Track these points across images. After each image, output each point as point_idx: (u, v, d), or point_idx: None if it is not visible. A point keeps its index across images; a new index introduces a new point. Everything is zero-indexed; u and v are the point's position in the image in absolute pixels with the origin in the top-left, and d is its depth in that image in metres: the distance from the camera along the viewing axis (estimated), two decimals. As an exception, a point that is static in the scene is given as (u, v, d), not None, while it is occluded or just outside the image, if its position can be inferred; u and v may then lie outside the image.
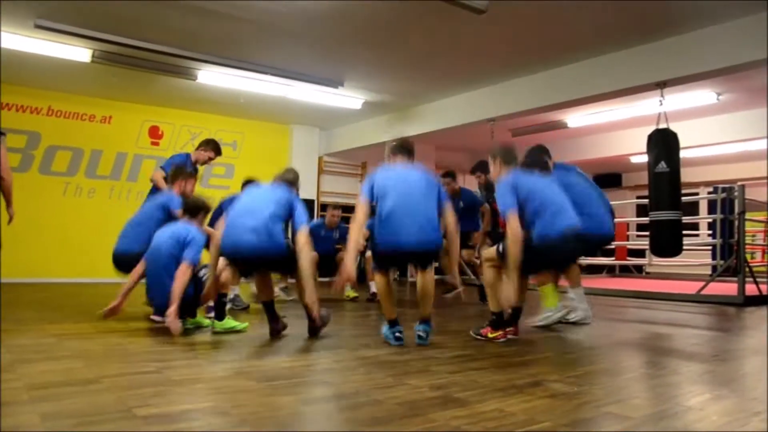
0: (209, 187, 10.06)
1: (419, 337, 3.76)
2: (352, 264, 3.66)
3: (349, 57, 7.13)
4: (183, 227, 4.31)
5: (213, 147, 6.10)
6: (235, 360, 3.18)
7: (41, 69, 7.68)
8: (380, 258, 3.88)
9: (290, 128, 10.95)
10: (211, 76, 7.72)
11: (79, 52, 6.86)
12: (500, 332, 3.98)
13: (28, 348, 3.38)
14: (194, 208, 4.50)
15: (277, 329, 4.01)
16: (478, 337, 4.02)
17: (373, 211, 3.81)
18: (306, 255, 3.86)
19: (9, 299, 6.29)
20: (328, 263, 6.84)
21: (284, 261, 3.89)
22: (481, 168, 6.75)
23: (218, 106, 9.58)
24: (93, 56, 6.92)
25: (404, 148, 4.08)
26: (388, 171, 3.96)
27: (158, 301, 4.24)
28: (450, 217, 3.93)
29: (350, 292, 7.12)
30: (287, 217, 4.00)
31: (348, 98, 8.77)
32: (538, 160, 4.95)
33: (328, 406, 2.38)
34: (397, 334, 3.73)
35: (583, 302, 4.94)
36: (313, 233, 7.15)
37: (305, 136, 11.07)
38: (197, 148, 6.08)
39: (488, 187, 6.74)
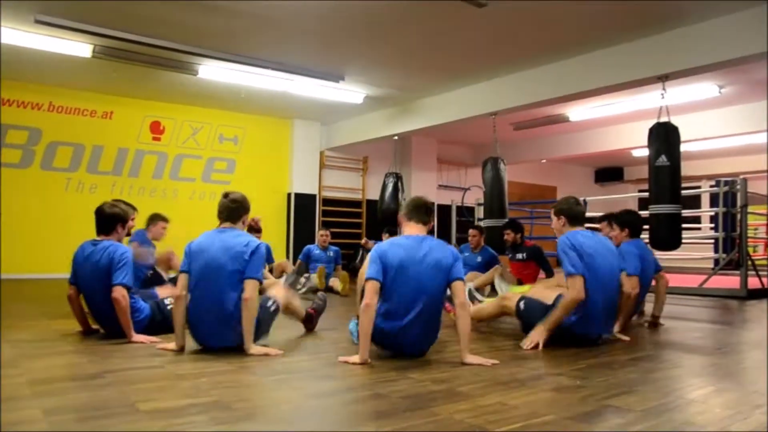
0: (211, 183, 10.09)
1: None
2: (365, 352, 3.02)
3: (349, 51, 7.11)
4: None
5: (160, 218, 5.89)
6: (238, 355, 3.18)
7: (42, 65, 7.67)
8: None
9: (291, 123, 10.94)
10: (212, 71, 7.71)
11: (80, 48, 6.85)
12: None
13: (32, 343, 3.39)
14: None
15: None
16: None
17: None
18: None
19: (11, 295, 6.31)
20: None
21: None
22: (511, 227, 6.83)
23: (219, 101, 9.57)
24: (94, 51, 6.91)
25: (419, 209, 3.37)
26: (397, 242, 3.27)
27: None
28: (461, 296, 3.15)
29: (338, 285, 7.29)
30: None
31: (349, 92, 8.75)
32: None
33: (331, 400, 2.39)
34: None
35: None
36: (309, 254, 7.73)
37: (306, 131, 11.06)
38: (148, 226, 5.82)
39: (514, 247, 6.77)
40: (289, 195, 10.85)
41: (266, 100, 9.39)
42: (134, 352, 3.24)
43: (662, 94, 6.46)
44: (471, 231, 7.24)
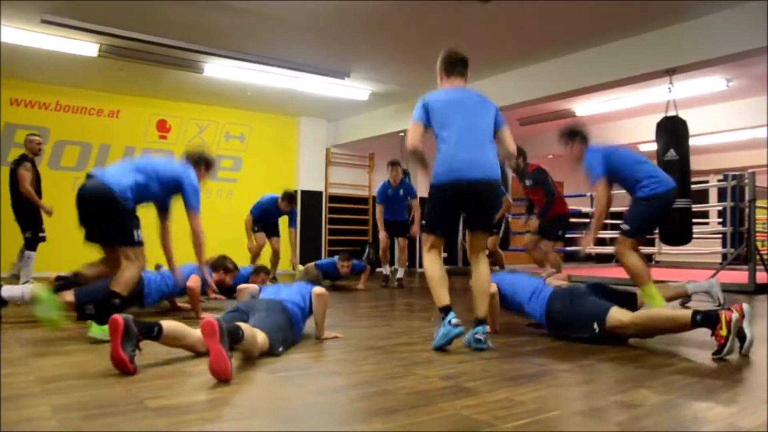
0: (218, 180, 10.10)
1: (477, 341, 3.28)
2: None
3: (355, 47, 7.10)
4: None
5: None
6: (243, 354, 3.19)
7: (49, 64, 7.70)
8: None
9: (297, 120, 10.94)
10: (217, 69, 7.72)
11: (86, 47, 6.87)
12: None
13: (40, 342, 3.41)
14: None
15: None
16: None
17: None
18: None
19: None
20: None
21: None
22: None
23: (225, 99, 9.58)
24: (100, 51, 6.93)
25: (456, 63, 3.69)
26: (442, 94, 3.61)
27: None
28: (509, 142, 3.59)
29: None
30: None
31: (355, 89, 8.75)
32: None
33: (337, 396, 2.39)
34: (453, 320, 3.24)
35: None
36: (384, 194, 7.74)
37: (312, 128, 11.07)
38: None
39: (520, 174, 6.73)
40: (295, 192, 10.83)
41: (272, 98, 9.40)
42: (142, 348, 3.25)
43: (669, 88, 6.42)
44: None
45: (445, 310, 3.29)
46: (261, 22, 6.20)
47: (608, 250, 10.53)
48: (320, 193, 11.09)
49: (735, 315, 3.05)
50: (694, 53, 6.01)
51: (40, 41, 6.66)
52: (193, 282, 4.37)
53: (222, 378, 2.49)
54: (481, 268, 3.45)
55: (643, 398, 2.31)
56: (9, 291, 4.27)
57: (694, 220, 6.73)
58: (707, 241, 10.70)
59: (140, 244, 3.65)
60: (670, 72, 6.29)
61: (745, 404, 2.27)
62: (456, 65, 3.65)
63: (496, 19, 6.03)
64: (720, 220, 10.61)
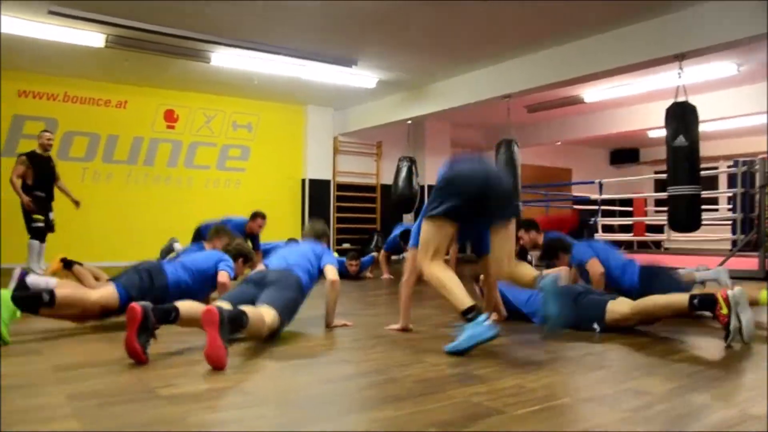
0: (226, 170, 10.13)
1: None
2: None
3: (362, 35, 7.07)
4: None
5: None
6: (253, 341, 3.21)
7: (56, 55, 7.71)
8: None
9: (305, 109, 10.93)
10: (224, 59, 7.71)
11: (93, 38, 6.87)
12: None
13: (53, 331, 3.44)
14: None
15: None
16: None
17: None
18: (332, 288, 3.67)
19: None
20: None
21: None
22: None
23: (233, 89, 9.57)
24: (107, 41, 6.93)
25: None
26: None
27: None
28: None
29: None
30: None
31: (362, 77, 8.72)
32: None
33: (347, 384, 2.40)
34: (485, 322, 2.81)
35: None
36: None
37: (320, 117, 11.05)
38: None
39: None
40: (303, 181, 10.86)
41: (279, 87, 9.39)
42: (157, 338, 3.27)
43: (679, 74, 6.36)
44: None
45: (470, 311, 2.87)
46: (267, 10, 6.18)
47: (617, 237, 10.51)
48: (328, 181, 11.10)
49: (732, 291, 3.02)
50: (704, 38, 5.94)
51: (48, 32, 6.67)
52: (224, 278, 4.24)
53: (216, 366, 2.52)
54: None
55: (652, 386, 2.32)
56: (34, 280, 4.30)
57: (704, 207, 6.69)
58: (717, 227, 10.63)
59: None
60: (680, 57, 6.22)
61: (757, 391, 2.27)
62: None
63: (504, 5, 5.99)
64: (730, 206, 10.54)
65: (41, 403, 2.03)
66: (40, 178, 6.80)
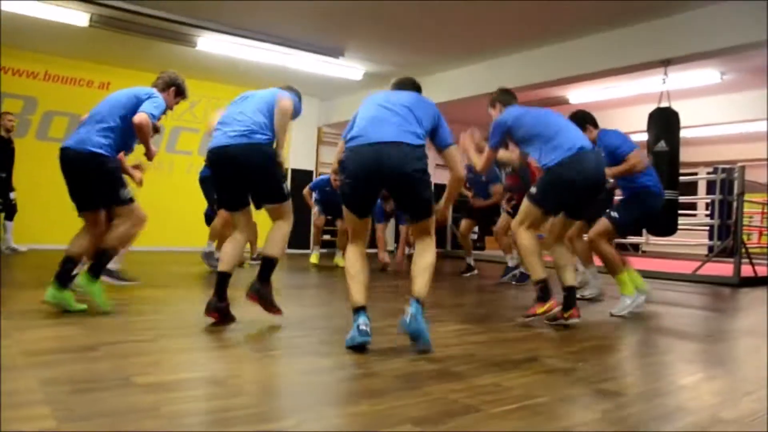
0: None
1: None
2: None
3: (350, 26, 7.04)
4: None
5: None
6: (232, 330, 3.19)
7: (39, 33, 7.56)
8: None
9: (290, 98, 10.84)
10: (210, 44, 7.62)
11: (77, 16, 6.75)
12: (551, 302, 3.59)
13: (27, 314, 3.39)
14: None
15: (218, 308, 3.26)
16: (528, 318, 3.67)
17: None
18: None
19: (9, 264, 6.31)
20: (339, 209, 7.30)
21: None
22: None
23: (217, 74, 9.47)
24: (91, 20, 6.81)
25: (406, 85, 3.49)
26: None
27: None
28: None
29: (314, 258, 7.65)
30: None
31: (348, 68, 8.68)
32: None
33: (325, 377, 2.39)
34: (362, 327, 2.78)
35: (596, 278, 5.07)
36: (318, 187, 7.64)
37: (304, 107, 10.82)
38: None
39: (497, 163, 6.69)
40: (285, 170, 10.78)
41: (264, 75, 9.29)
42: (127, 325, 3.24)
43: (664, 79, 6.42)
44: None
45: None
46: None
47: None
48: (311, 172, 11.04)
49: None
50: (691, 45, 6.01)
51: (32, 9, 6.54)
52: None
53: None
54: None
55: (627, 387, 2.34)
56: None
57: (682, 212, 6.77)
58: (694, 232, 10.78)
59: (131, 201, 3.61)
60: (666, 63, 6.28)
61: (728, 395, 2.30)
62: (405, 86, 3.49)
63: (492, 3, 5.99)
64: (708, 212, 10.68)
65: (14, 388, 1.99)
66: (8, 160, 6.78)
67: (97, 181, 3.54)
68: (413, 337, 2.77)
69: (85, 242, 3.67)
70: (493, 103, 4.15)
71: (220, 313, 3.24)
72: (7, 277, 5.25)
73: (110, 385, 2.08)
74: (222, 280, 3.27)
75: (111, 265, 4.33)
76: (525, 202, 3.71)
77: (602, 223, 4.37)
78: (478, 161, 4.01)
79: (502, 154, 4.25)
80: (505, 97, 4.12)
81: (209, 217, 6.73)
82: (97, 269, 3.51)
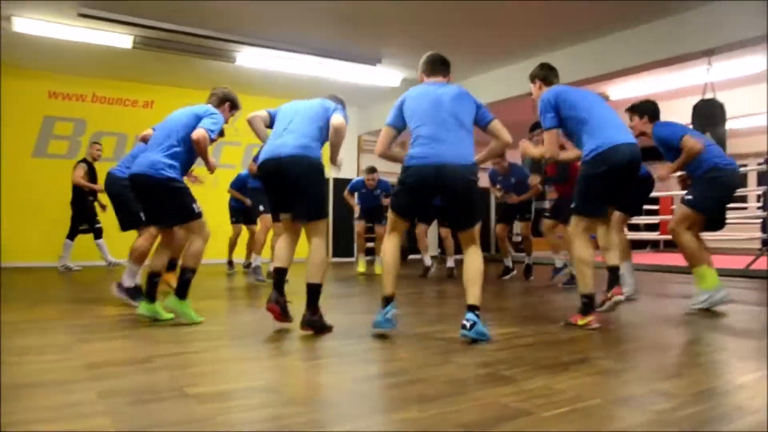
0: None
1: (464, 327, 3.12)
2: None
3: (386, 33, 7.08)
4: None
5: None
6: (281, 339, 3.24)
7: (85, 57, 7.85)
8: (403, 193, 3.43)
9: (328, 108, 10.93)
10: (249, 58, 7.77)
11: (121, 39, 6.98)
12: (591, 318, 3.56)
13: (86, 328, 3.51)
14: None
15: (278, 301, 3.44)
16: (569, 325, 3.63)
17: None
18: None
19: (65, 281, 6.53)
20: (376, 213, 7.60)
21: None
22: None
23: (257, 88, 9.64)
24: (134, 42, 7.03)
25: (436, 62, 3.75)
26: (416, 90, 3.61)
27: None
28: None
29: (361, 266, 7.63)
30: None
31: (386, 75, 8.72)
32: None
33: (374, 384, 2.41)
34: (389, 316, 3.27)
35: (631, 277, 4.96)
36: (356, 189, 7.74)
37: (343, 116, 11.03)
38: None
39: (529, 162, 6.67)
40: (328, 180, 10.87)
41: (303, 86, 9.42)
42: (182, 336, 3.32)
43: (707, 69, 6.27)
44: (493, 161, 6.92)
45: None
46: (292, 9, 6.23)
47: (643, 236, 10.37)
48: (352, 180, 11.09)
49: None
50: (734, 33, 5.85)
51: (77, 34, 6.79)
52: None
53: None
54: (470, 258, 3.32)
55: (683, 387, 2.29)
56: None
57: (732, 206, 6.58)
58: (746, 226, 10.44)
59: (200, 215, 3.79)
60: (709, 53, 6.13)
61: (789, 394, 2.23)
62: (437, 64, 3.74)
63: (529, 3, 5.95)
64: (759, 204, 10.34)
65: (75, 400, 2.06)
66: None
67: (172, 203, 3.76)
68: (475, 341, 3.07)
69: (165, 257, 3.97)
70: (532, 78, 4.16)
71: (279, 306, 3.41)
72: (65, 293, 5.43)
73: (167, 395, 2.14)
74: (279, 275, 3.47)
75: (127, 282, 4.47)
76: (572, 217, 3.79)
77: (680, 211, 4.29)
78: (543, 149, 3.99)
79: (533, 149, 4.20)
80: (544, 72, 4.16)
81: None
82: (182, 290, 3.67)
